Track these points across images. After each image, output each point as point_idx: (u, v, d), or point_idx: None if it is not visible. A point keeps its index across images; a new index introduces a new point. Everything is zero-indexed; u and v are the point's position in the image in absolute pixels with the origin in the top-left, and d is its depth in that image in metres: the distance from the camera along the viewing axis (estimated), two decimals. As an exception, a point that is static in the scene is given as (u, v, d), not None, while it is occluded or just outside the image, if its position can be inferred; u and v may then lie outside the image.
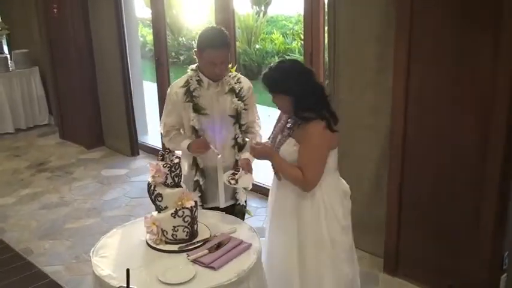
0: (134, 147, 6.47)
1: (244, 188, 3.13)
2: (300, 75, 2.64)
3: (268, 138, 2.87)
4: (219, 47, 2.92)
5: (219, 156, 3.02)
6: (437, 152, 3.36)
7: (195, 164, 3.11)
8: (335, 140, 2.69)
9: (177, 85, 3.08)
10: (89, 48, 6.49)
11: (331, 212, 2.70)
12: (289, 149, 2.67)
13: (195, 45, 3.07)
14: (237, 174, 2.94)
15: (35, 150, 6.84)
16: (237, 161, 3.10)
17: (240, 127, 3.11)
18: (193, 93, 3.02)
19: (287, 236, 2.77)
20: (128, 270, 2.04)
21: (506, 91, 2.95)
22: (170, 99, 3.09)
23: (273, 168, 2.79)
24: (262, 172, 3.03)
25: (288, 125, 2.75)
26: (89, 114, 6.72)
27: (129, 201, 5.24)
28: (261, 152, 2.72)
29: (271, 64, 2.71)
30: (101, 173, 6.00)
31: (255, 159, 2.93)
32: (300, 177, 2.62)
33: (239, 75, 3.18)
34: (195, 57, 3.07)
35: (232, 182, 2.92)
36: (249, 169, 2.99)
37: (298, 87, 2.60)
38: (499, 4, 2.87)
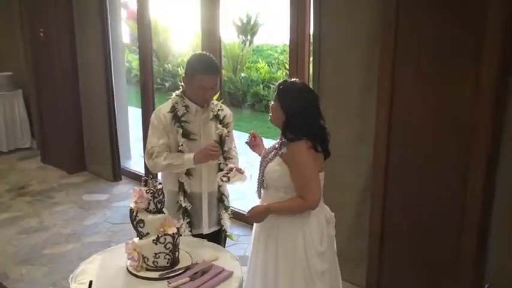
0: (117, 173, 6.43)
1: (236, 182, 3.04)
2: (304, 104, 2.66)
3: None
4: (211, 72, 2.95)
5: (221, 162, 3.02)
6: (419, 182, 3.39)
7: (182, 189, 3.08)
8: (320, 163, 2.72)
9: (163, 109, 3.07)
10: (74, 72, 6.50)
11: (309, 235, 2.71)
12: (275, 167, 2.70)
13: (180, 71, 3.10)
14: (229, 173, 2.94)
15: (15, 174, 6.76)
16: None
17: (222, 153, 3.12)
18: (182, 119, 3.02)
19: (266, 252, 2.78)
20: (90, 282, 2.00)
21: (486, 120, 3.00)
22: (159, 121, 3.04)
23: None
24: (247, 200, 3.02)
25: (277, 145, 2.79)
26: (71, 139, 6.68)
27: (110, 226, 5.18)
28: (256, 214, 2.74)
29: (297, 78, 2.80)
30: (82, 197, 5.94)
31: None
32: (301, 203, 2.63)
33: (220, 103, 3.22)
34: (180, 83, 3.09)
35: (224, 179, 2.93)
36: (239, 170, 2.98)
37: (295, 111, 2.63)
38: (480, 35, 2.94)
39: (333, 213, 2.86)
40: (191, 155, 2.96)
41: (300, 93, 2.69)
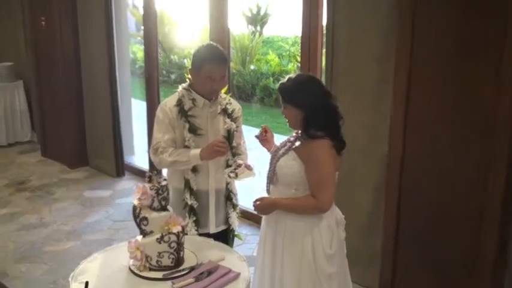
0: (120, 168, 6.45)
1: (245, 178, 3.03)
2: (316, 92, 2.67)
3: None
4: (219, 62, 2.95)
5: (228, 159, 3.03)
6: (436, 183, 3.36)
7: (187, 186, 3.07)
8: (338, 163, 2.72)
9: (169, 103, 3.06)
10: (76, 63, 6.51)
11: (318, 238, 2.70)
12: (288, 161, 2.69)
13: (187, 63, 3.10)
14: (237, 169, 2.94)
15: (15, 168, 6.79)
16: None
17: (231, 148, 3.11)
18: (189, 113, 3.02)
19: (274, 253, 2.79)
20: (86, 283, 2.00)
21: (507, 120, 2.97)
22: (165, 115, 3.03)
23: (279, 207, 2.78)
24: (255, 197, 3.01)
25: (292, 138, 2.78)
26: (73, 132, 6.70)
27: (112, 224, 5.19)
28: (262, 206, 2.75)
29: (291, 74, 2.75)
30: (84, 194, 5.96)
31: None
32: (312, 203, 2.63)
33: (228, 96, 3.21)
34: (187, 76, 3.09)
35: (232, 175, 2.93)
36: (248, 167, 2.98)
37: (311, 104, 2.63)
38: (501, 33, 2.90)
39: (343, 216, 2.85)
40: (197, 151, 2.94)
41: (305, 84, 2.69)
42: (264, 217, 2.91)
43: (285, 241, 2.75)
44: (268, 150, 2.99)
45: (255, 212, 2.82)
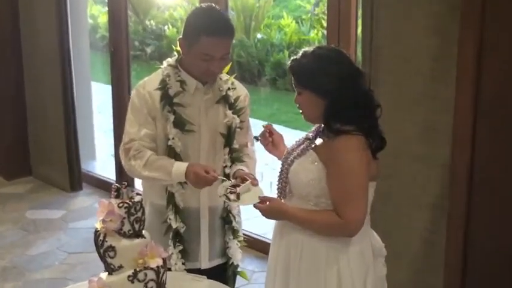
0: (75, 179, 6.49)
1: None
2: (342, 72, 2.67)
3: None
4: (222, 33, 2.96)
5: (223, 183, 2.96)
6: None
7: (171, 203, 3.09)
8: (374, 168, 2.73)
9: (149, 85, 3.08)
10: (14, 35, 6.56)
11: (347, 272, 2.71)
12: (306, 164, 2.71)
13: (168, 31, 3.12)
14: (239, 186, 2.89)
15: None
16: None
17: (230, 152, 3.14)
18: (175, 100, 3.03)
19: (286, 283, 2.80)
20: None
21: None
22: (143, 102, 3.05)
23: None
24: (260, 220, 3.03)
25: (310, 135, 2.81)
26: (10, 131, 6.75)
27: (65, 257, 5.22)
28: (271, 210, 2.77)
29: (307, 48, 2.76)
30: (26, 215, 5.98)
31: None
32: (334, 221, 2.63)
33: (233, 79, 3.22)
34: (176, 48, 3.11)
35: (232, 197, 2.87)
36: (253, 180, 2.94)
37: (335, 88, 2.64)
38: None
39: (384, 244, 2.86)
40: (182, 168, 2.95)
41: (327, 60, 2.69)
42: (274, 232, 2.93)
43: (301, 271, 2.75)
44: (279, 158, 3.00)
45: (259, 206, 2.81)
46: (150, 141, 3.04)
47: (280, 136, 3.10)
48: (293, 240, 2.77)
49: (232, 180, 2.98)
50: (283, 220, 2.79)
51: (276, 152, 3.05)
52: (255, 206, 2.78)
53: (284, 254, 2.83)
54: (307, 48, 2.75)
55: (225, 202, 3.15)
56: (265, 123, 3.10)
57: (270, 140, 3.06)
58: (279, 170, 2.87)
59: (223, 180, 2.97)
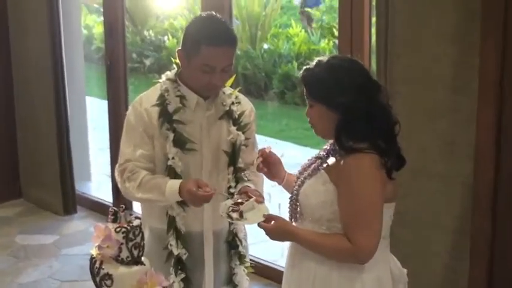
0: (69, 201, 6.48)
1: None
2: (358, 84, 2.66)
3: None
4: (222, 43, 2.96)
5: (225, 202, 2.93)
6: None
7: (172, 227, 3.08)
8: (390, 189, 2.70)
9: (146, 101, 3.09)
10: (4, 48, 6.57)
11: None
12: (316, 186, 2.70)
13: (168, 43, 3.12)
14: (242, 204, 2.85)
15: None
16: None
17: (235, 171, 3.14)
18: (174, 117, 3.04)
19: None
20: None
21: None
22: (139, 119, 3.06)
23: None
24: (269, 244, 3.01)
25: (322, 153, 2.80)
26: (-1, 151, 6.76)
27: (58, 286, 5.21)
28: (277, 230, 2.75)
29: (321, 58, 2.76)
30: (16, 240, 5.98)
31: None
32: (344, 246, 2.62)
33: (237, 92, 3.23)
34: (175, 61, 3.11)
35: (235, 215, 2.83)
36: (258, 198, 2.91)
37: (348, 100, 2.63)
38: None
39: (406, 271, 2.85)
40: (175, 186, 2.94)
41: (342, 71, 2.68)
42: (286, 261, 2.91)
43: None
44: (279, 183, 2.99)
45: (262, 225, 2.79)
46: (146, 162, 3.05)
47: (278, 160, 3.04)
48: (305, 269, 2.76)
49: (236, 196, 2.96)
50: (289, 241, 2.78)
51: (275, 178, 3.03)
52: (259, 225, 2.76)
53: (296, 274, 2.82)
54: (322, 58, 2.76)
55: (230, 224, 3.15)
56: (270, 143, 3.07)
57: (265, 170, 3.01)
58: (291, 192, 2.86)
59: (227, 198, 2.96)
